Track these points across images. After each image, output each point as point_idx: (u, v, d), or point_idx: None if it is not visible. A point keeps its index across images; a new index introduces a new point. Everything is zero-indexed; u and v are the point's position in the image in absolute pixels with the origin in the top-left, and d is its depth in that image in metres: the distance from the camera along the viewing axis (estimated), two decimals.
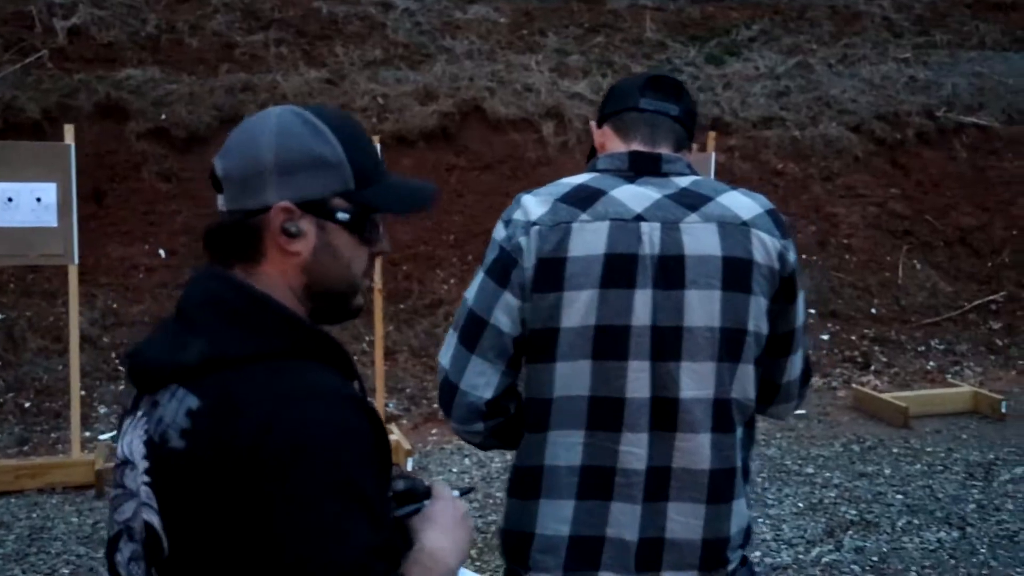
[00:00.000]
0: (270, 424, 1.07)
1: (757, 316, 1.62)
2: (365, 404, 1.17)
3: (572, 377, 1.61)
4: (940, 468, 5.23)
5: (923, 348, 7.66)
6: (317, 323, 1.26)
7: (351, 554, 1.05)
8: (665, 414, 1.61)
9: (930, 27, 11.02)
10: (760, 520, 4.53)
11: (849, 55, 10.38)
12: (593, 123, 1.84)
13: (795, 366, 1.76)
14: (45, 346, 6.38)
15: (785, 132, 9.25)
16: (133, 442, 1.20)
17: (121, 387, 6.17)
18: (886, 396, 6.23)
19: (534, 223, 1.63)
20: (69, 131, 4.99)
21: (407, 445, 5.32)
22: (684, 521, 1.62)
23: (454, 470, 5.24)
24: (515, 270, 1.63)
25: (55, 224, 4.81)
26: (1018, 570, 4.04)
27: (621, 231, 1.61)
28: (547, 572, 1.64)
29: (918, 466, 5.27)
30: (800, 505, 4.72)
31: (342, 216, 1.23)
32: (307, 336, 1.20)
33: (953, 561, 4.11)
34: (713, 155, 6.00)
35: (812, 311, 7.89)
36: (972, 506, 4.69)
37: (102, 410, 5.95)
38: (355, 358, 7.07)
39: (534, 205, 1.66)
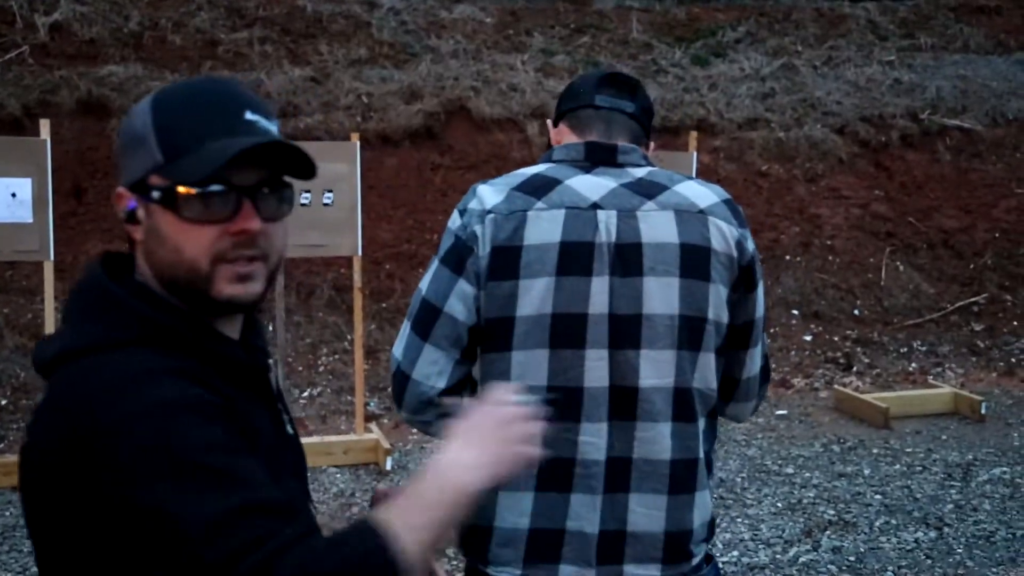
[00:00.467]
0: (94, 412, 1.01)
1: (717, 304, 1.61)
2: (201, 377, 1.08)
3: (529, 366, 1.59)
4: (919, 468, 5.23)
5: (905, 349, 7.68)
6: (207, 315, 1.16)
7: (193, 530, 0.96)
8: (624, 403, 1.59)
9: (914, 30, 11.06)
10: (738, 520, 4.52)
11: (834, 57, 10.41)
12: (549, 121, 1.83)
13: (755, 361, 1.74)
14: (23, 343, 6.33)
15: (770, 134, 9.27)
16: None
17: None
18: (867, 397, 6.24)
19: (489, 211, 1.62)
20: (45, 126, 4.95)
21: (387, 444, 5.29)
22: (646, 512, 1.60)
23: None
24: (470, 258, 1.62)
25: (30, 220, 4.77)
26: (994, 570, 4.04)
27: (577, 219, 1.60)
28: (506, 566, 1.62)
29: (897, 466, 5.28)
30: (779, 505, 4.71)
31: (155, 194, 1.11)
32: (151, 327, 1.11)
33: (929, 561, 4.11)
34: (695, 155, 6.00)
35: (795, 312, 7.90)
36: (950, 506, 4.70)
37: None
38: (336, 357, 7.14)
39: (489, 194, 1.64)
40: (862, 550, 4.21)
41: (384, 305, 7.25)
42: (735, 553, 4.17)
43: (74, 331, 1.12)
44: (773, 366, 5.76)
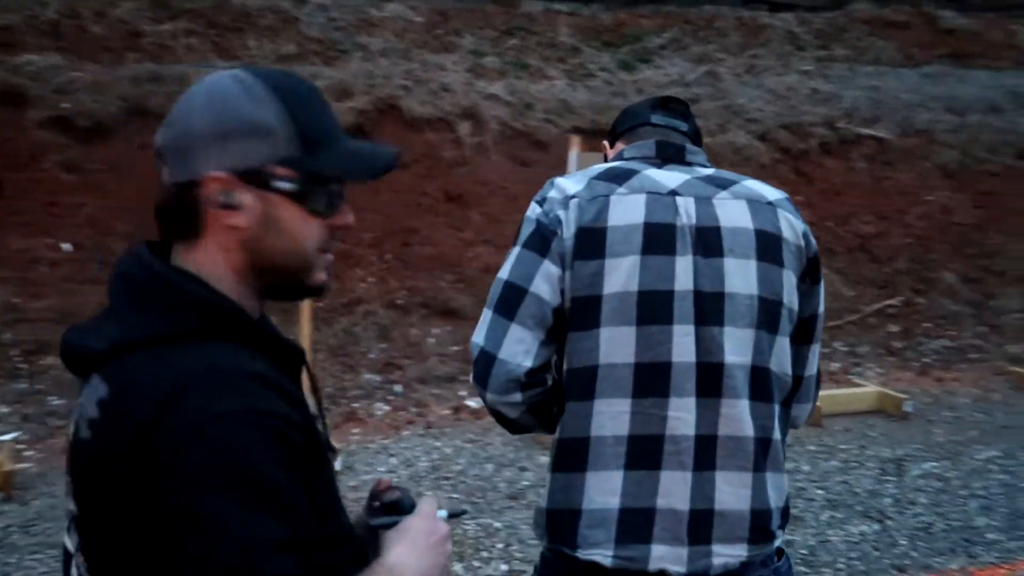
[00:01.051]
0: (164, 410, 0.99)
1: (789, 290, 1.67)
2: (280, 385, 1.08)
3: (616, 343, 1.61)
4: (855, 464, 5.42)
5: (827, 350, 7.92)
6: (275, 300, 1.19)
7: (236, 548, 0.95)
8: (710, 379, 1.61)
9: (830, 42, 11.45)
10: None
11: (755, 65, 10.69)
12: (606, 143, 1.93)
13: (814, 359, 1.80)
14: None
15: None
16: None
17: (23, 385, 5.89)
18: None
19: (572, 196, 1.66)
20: None
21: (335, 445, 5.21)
22: (732, 491, 1.61)
23: (380, 469, 5.17)
24: (555, 240, 1.64)
25: None
26: (936, 560, 4.21)
27: (657, 203, 1.65)
28: (597, 547, 1.61)
29: (834, 463, 5.45)
30: None
31: (284, 186, 1.12)
32: (217, 315, 1.10)
33: (877, 553, 4.25)
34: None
35: None
36: (888, 500, 4.87)
37: (3, 409, 5.66)
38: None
39: (569, 183, 1.70)
40: (812, 543, 4.33)
41: (320, 305, 7.14)
42: None
43: (129, 321, 1.09)
44: None
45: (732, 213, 1.67)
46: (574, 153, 5.54)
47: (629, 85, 9.96)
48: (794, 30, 11.44)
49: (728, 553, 1.62)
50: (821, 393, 6.18)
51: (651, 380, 1.59)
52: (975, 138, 10.30)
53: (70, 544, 1.14)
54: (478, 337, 1.69)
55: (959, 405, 6.69)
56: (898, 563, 4.17)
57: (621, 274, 1.60)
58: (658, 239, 1.62)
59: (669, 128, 1.84)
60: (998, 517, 4.66)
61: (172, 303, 1.08)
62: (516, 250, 1.69)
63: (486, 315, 1.70)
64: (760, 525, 1.64)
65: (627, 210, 1.64)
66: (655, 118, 1.85)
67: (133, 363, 1.05)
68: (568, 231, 1.63)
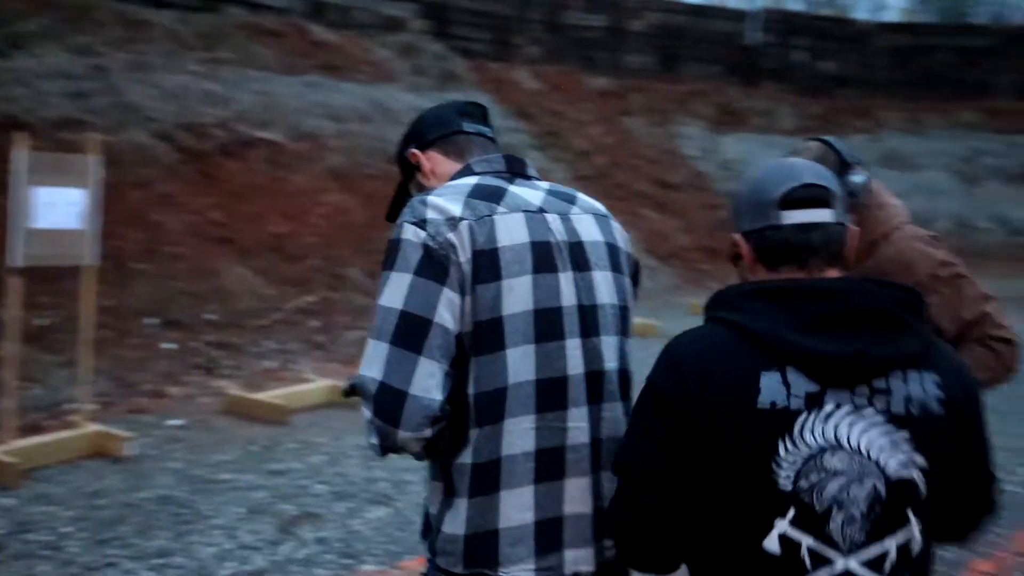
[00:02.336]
0: (970, 385, 1.51)
1: (630, 295, 1.81)
2: None
3: (520, 363, 1.62)
4: (341, 455, 5.61)
5: (260, 349, 8.00)
6: None
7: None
8: (596, 386, 1.69)
9: (214, 44, 11.45)
10: (215, 532, 4.36)
11: (145, 62, 10.24)
12: (414, 151, 1.87)
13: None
14: None
15: (93, 137, 8.76)
16: (840, 428, 1.41)
17: None
18: (263, 396, 6.42)
19: (459, 218, 1.63)
20: None
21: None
22: (611, 488, 1.64)
23: None
24: (452, 266, 1.60)
25: None
26: None
27: (533, 221, 1.69)
28: (519, 564, 1.61)
29: (320, 456, 5.57)
30: (242, 510, 4.65)
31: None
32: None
33: (402, 533, 4.49)
34: (92, 159, 5.50)
35: (154, 321, 7.67)
36: (385, 483, 5.16)
37: None
38: None
39: (444, 203, 1.65)
40: (342, 535, 4.41)
41: None
42: (233, 563, 4.04)
43: (920, 328, 1.49)
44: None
45: (587, 228, 1.75)
46: (24, 153, 4.85)
47: (5, 74, 8.84)
48: (177, 28, 11.21)
49: (611, 545, 1.69)
50: (284, 392, 6.23)
51: (551, 394, 1.64)
52: (356, 144, 11.21)
53: (834, 525, 1.40)
54: (373, 371, 1.58)
55: None
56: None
57: (518, 294, 1.62)
58: (543, 257, 1.66)
59: (482, 136, 1.86)
60: None
61: (924, 314, 1.51)
62: (406, 277, 1.60)
63: (379, 348, 1.59)
64: None
65: (512, 230, 1.65)
66: (466, 126, 1.86)
67: (939, 356, 1.50)
68: (464, 255, 1.60)
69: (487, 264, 1.61)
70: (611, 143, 14.88)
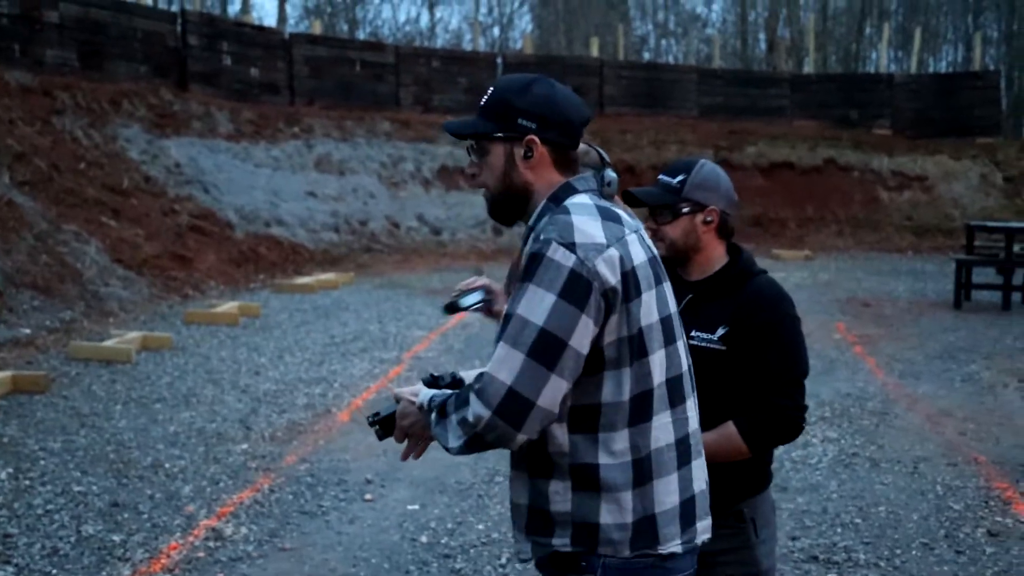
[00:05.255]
0: None
1: None
2: None
3: (658, 366, 1.87)
4: None
5: None
6: None
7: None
8: (691, 379, 2.00)
9: None
10: None
11: None
12: (535, 137, 1.92)
13: None
14: None
15: None
16: None
17: None
18: None
19: (606, 245, 1.83)
20: None
21: None
22: (703, 468, 2.03)
23: None
24: (593, 294, 1.79)
25: None
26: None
27: (641, 239, 1.94)
28: (672, 541, 1.90)
29: None
30: None
31: None
32: None
33: None
34: None
35: None
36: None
37: None
38: None
39: (589, 227, 1.84)
40: None
41: None
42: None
43: None
44: None
45: (651, 243, 2.04)
46: None
47: None
48: None
49: (708, 520, 2.04)
50: None
51: (676, 391, 1.93)
52: None
53: None
54: (503, 375, 1.77)
55: None
56: None
57: (650, 306, 1.88)
58: (655, 272, 1.93)
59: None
60: None
61: None
62: (550, 297, 1.77)
63: (515, 356, 1.78)
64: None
65: (636, 249, 1.89)
66: (579, 140, 2.00)
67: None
68: (611, 280, 1.81)
69: (632, 283, 1.85)
70: (48, 145, 13.62)
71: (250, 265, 14.08)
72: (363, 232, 16.96)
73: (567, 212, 1.87)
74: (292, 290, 12.83)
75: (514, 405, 1.76)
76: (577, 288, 1.78)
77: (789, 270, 16.12)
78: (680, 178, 2.52)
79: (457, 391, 1.87)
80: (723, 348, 2.41)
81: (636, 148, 20.69)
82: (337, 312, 11.37)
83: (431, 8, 35.86)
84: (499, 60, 22.75)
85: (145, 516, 4.88)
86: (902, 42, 31.98)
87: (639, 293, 1.87)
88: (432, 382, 1.99)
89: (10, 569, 4.20)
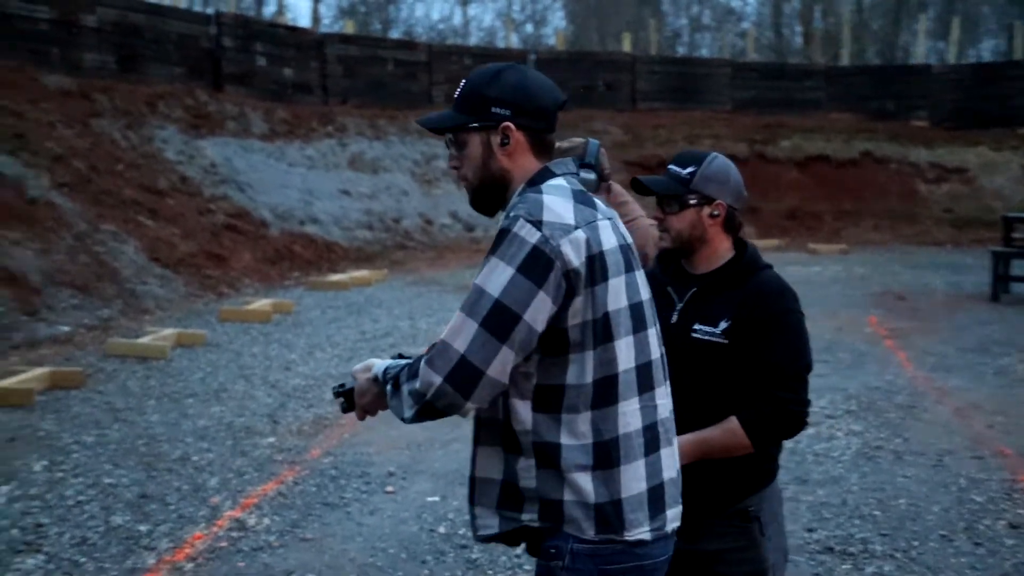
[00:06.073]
0: None
1: None
2: None
3: (626, 351, 1.89)
4: None
5: None
6: None
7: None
8: (663, 368, 2.02)
9: None
10: None
11: None
12: (510, 124, 1.95)
13: None
14: None
15: None
16: None
17: None
18: None
19: (574, 226, 1.85)
20: None
21: None
22: (674, 455, 2.04)
23: None
24: (553, 272, 1.80)
25: None
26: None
27: (614, 226, 1.97)
28: (639, 527, 1.91)
29: None
30: None
31: None
32: None
33: None
34: None
35: None
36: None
37: None
38: None
39: (560, 207, 1.85)
40: None
41: None
42: None
43: None
44: None
45: (625, 231, 2.05)
46: None
47: None
48: None
49: (681, 506, 2.06)
50: None
51: (645, 378, 1.95)
52: None
53: None
54: (460, 344, 1.81)
55: None
56: None
57: (618, 292, 1.90)
58: (626, 258, 1.96)
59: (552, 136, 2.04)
60: None
61: None
62: (508, 270, 1.81)
63: (469, 325, 1.82)
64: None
65: (607, 235, 1.92)
66: (554, 124, 2.00)
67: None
68: (574, 262, 1.83)
69: (599, 267, 1.87)
70: (86, 147, 13.89)
71: (285, 263, 14.25)
72: (397, 229, 17.08)
73: (539, 191, 1.91)
74: (326, 287, 12.96)
75: (464, 373, 1.81)
76: (537, 265, 1.81)
77: (824, 264, 16.02)
78: (690, 169, 2.52)
79: (409, 362, 1.93)
80: (725, 342, 2.41)
81: (669, 143, 20.60)
82: (369, 309, 11.48)
83: (464, 5, 35.95)
84: (531, 56, 22.76)
85: (172, 507, 4.99)
86: (941, 32, 31.51)
87: (606, 278, 1.89)
88: (399, 357, 2.08)
89: (41, 557, 4.33)
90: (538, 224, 1.83)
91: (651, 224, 3.36)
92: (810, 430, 6.40)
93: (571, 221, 1.86)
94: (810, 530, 4.70)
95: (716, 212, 2.52)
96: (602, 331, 1.89)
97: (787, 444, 6.24)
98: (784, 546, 2.61)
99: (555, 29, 34.10)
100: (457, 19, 36.99)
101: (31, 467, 5.57)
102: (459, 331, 1.82)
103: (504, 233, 1.84)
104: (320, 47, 19.73)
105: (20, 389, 7.05)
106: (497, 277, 1.82)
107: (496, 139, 1.96)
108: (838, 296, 12.63)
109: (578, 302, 1.86)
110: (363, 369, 2.04)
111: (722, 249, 2.56)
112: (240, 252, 13.66)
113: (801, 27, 32.35)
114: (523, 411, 1.89)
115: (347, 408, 2.13)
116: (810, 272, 15.16)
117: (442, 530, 4.71)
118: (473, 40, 33.23)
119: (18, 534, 4.58)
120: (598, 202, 2.00)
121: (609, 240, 1.93)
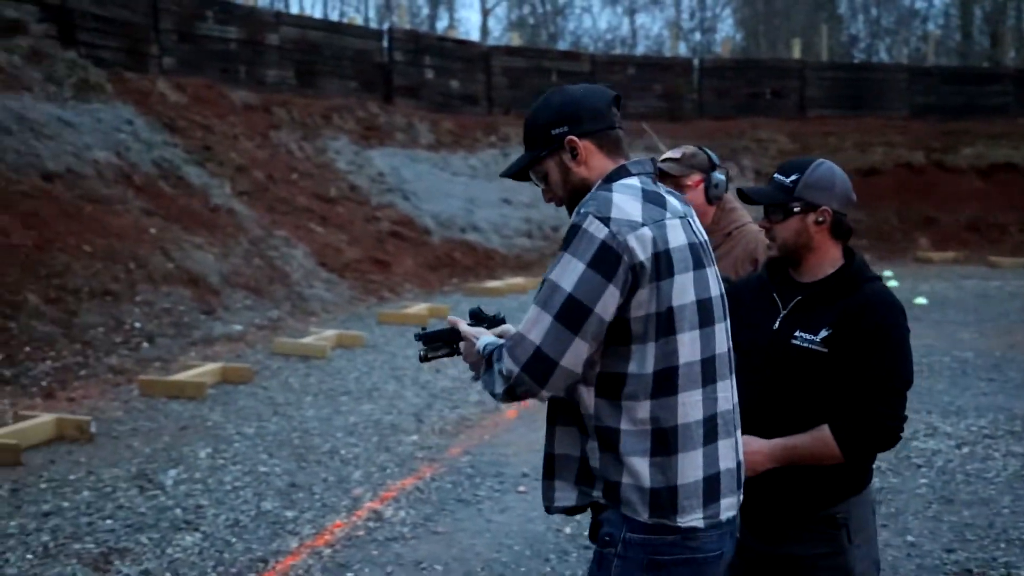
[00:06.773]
0: None
1: None
2: None
3: (689, 345, 1.95)
4: (108, 488, 5.31)
5: None
6: None
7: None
8: (730, 362, 2.09)
9: None
10: None
11: None
12: (573, 137, 2.05)
13: None
14: None
15: None
16: None
17: None
18: None
19: (641, 223, 1.91)
20: None
21: None
22: (737, 448, 2.10)
23: None
24: (621, 266, 1.88)
25: None
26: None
27: (686, 225, 2.03)
28: (692, 514, 1.97)
29: (87, 492, 5.24)
30: (31, 557, 4.31)
31: None
32: None
33: (224, 554, 4.45)
34: None
35: None
36: (179, 511, 5.01)
37: None
38: None
39: (628, 205, 1.93)
40: (162, 565, 4.29)
41: None
42: None
43: None
44: None
45: (699, 228, 2.12)
46: None
47: None
48: None
49: (740, 496, 2.12)
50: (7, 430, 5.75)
51: (709, 371, 2.01)
52: (1, 159, 10.21)
53: None
54: (532, 335, 1.93)
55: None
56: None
57: (685, 288, 1.97)
58: (696, 256, 2.02)
59: (622, 130, 2.11)
60: None
61: None
62: (579, 265, 1.90)
63: (544, 319, 1.92)
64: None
65: (676, 233, 1.98)
66: (617, 121, 2.08)
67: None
68: (640, 256, 1.91)
69: (664, 263, 1.94)
70: (265, 158, 14.79)
71: (445, 270, 14.69)
72: (555, 238, 17.27)
73: (610, 190, 1.99)
74: (482, 293, 13.29)
75: (539, 364, 1.92)
76: (606, 259, 1.90)
77: (1006, 278, 15.13)
78: (793, 177, 2.51)
79: (501, 344, 2.03)
80: (825, 350, 2.39)
81: (839, 151, 19.92)
82: (521, 315, 11.66)
83: (631, 15, 35.94)
84: (695, 64, 22.54)
85: (317, 496, 5.30)
86: None
87: (672, 274, 1.95)
88: (477, 314, 2.23)
89: (198, 535, 4.69)
90: (606, 220, 1.91)
91: (759, 231, 3.34)
92: (964, 449, 6.12)
93: (638, 218, 1.94)
94: (949, 551, 4.51)
95: (821, 219, 2.50)
96: (665, 324, 1.95)
97: (937, 463, 6.13)
98: (875, 556, 2.55)
99: (723, 37, 33.60)
100: (624, 29, 37.02)
101: (197, 454, 6.02)
102: (534, 324, 1.92)
103: (575, 229, 1.93)
104: (486, 59, 20.22)
105: (194, 382, 7.61)
106: (570, 272, 1.90)
107: (566, 156, 2.06)
108: (1017, 312, 11.91)
109: (642, 295, 1.93)
110: (473, 335, 2.16)
111: (830, 257, 2.53)
112: (403, 258, 14.18)
113: (989, 28, 30.56)
114: (587, 397, 1.98)
115: (425, 354, 2.26)
116: (988, 286, 14.34)
117: (568, 530, 4.80)
118: (640, 50, 33.20)
119: (180, 513, 4.98)
120: (671, 200, 2.06)
121: (677, 238, 1.99)
